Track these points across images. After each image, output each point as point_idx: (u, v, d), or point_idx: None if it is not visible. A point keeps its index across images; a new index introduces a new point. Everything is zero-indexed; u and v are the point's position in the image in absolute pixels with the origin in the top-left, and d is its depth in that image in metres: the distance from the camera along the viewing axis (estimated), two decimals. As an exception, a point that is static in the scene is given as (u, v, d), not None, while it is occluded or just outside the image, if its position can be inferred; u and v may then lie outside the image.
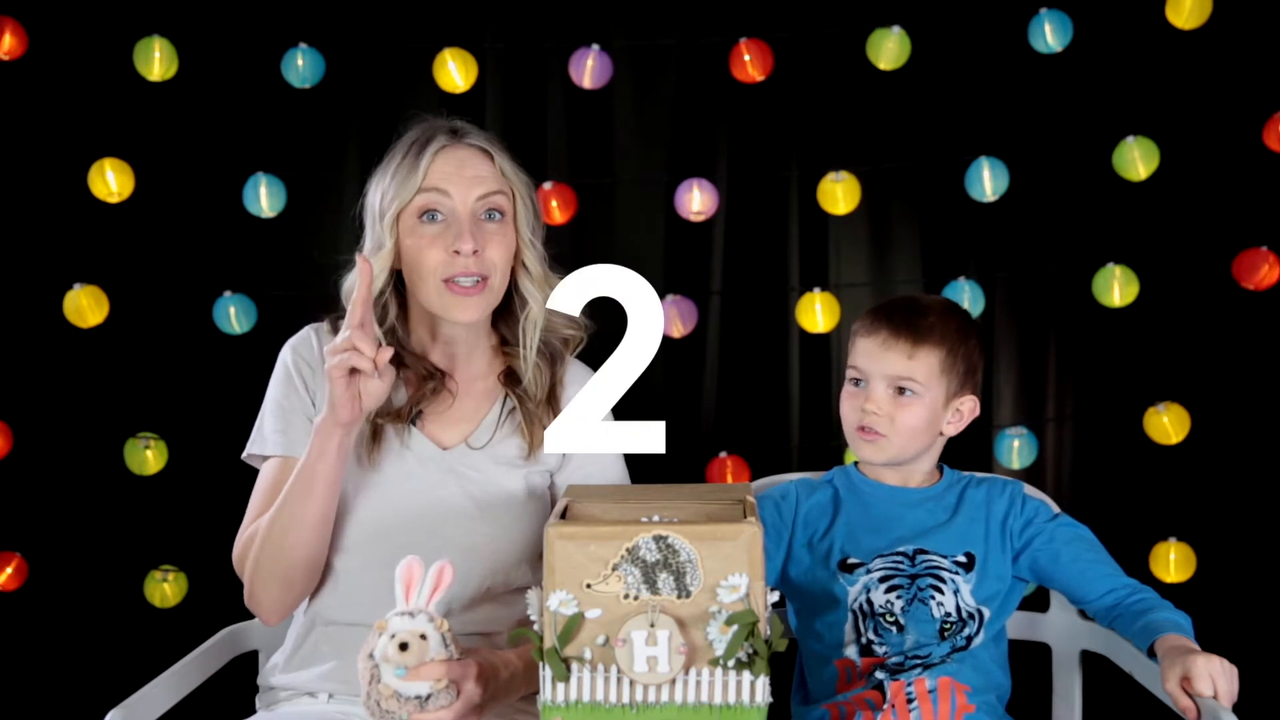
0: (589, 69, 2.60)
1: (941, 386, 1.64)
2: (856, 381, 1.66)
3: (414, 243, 1.58)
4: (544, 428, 1.64)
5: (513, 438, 1.66)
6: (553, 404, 1.67)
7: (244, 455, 1.66)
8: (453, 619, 1.56)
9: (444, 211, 1.59)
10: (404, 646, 1.24)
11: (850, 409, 1.66)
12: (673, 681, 1.21)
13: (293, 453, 1.60)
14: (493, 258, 1.59)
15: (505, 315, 1.69)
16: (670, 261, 2.78)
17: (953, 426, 1.68)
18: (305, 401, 1.64)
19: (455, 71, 2.60)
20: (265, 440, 1.64)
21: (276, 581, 1.56)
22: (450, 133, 1.62)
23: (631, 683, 1.21)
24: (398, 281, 1.65)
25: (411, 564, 1.27)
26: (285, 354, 1.68)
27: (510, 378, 1.68)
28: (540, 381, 1.67)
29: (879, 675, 1.57)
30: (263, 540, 1.54)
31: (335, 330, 1.69)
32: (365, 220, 1.66)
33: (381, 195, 1.62)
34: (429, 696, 1.26)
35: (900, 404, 1.63)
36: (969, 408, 1.68)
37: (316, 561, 1.57)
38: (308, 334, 1.70)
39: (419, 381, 1.64)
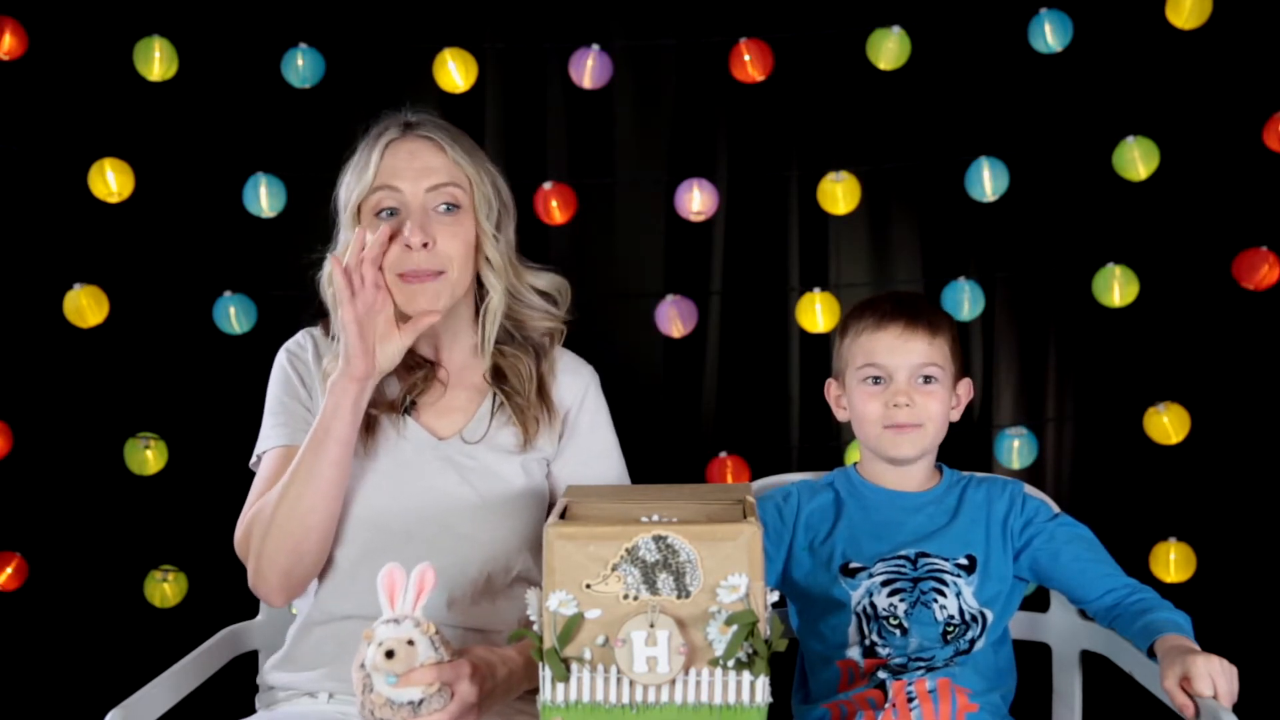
0: (589, 69, 2.60)
1: (952, 370, 1.67)
2: (875, 380, 1.66)
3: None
4: (537, 421, 1.65)
5: (507, 428, 1.66)
6: (545, 399, 1.67)
7: (251, 464, 1.66)
8: (454, 612, 1.56)
9: (398, 206, 1.58)
10: (390, 654, 1.24)
11: (873, 408, 1.65)
12: (672, 682, 1.21)
13: (294, 441, 1.61)
14: (447, 250, 1.57)
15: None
16: (670, 261, 2.78)
17: (956, 411, 1.69)
18: (303, 395, 1.65)
19: (455, 71, 2.60)
20: (266, 437, 1.65)
21: (286, 553, 1.54)
22: (402, 125, 1.62)
23: (631, 683, 1.21)
24: None
25: (393, 571, 1.27)
26: (281, 356, 1.69)
27: (496, 374, 1.68)
28: (524, 376, 1.66)
29: (881, 675, 1.57)
30: (275, 508, 1.53)
31: (330, 335, 1.69)
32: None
33: (345, 190, 1.62)
34: (422, 702, 1.27)
35: (926, 393, 1.64)
36: (965, 390, 1.70)
37: (328, 532, 1.56)
38: (303, 337, 1.71)
39: (408, 372, 1.64)
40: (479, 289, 1.67)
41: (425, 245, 1.55)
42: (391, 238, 1.55)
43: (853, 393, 1.68)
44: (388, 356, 1.54)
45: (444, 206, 1.59)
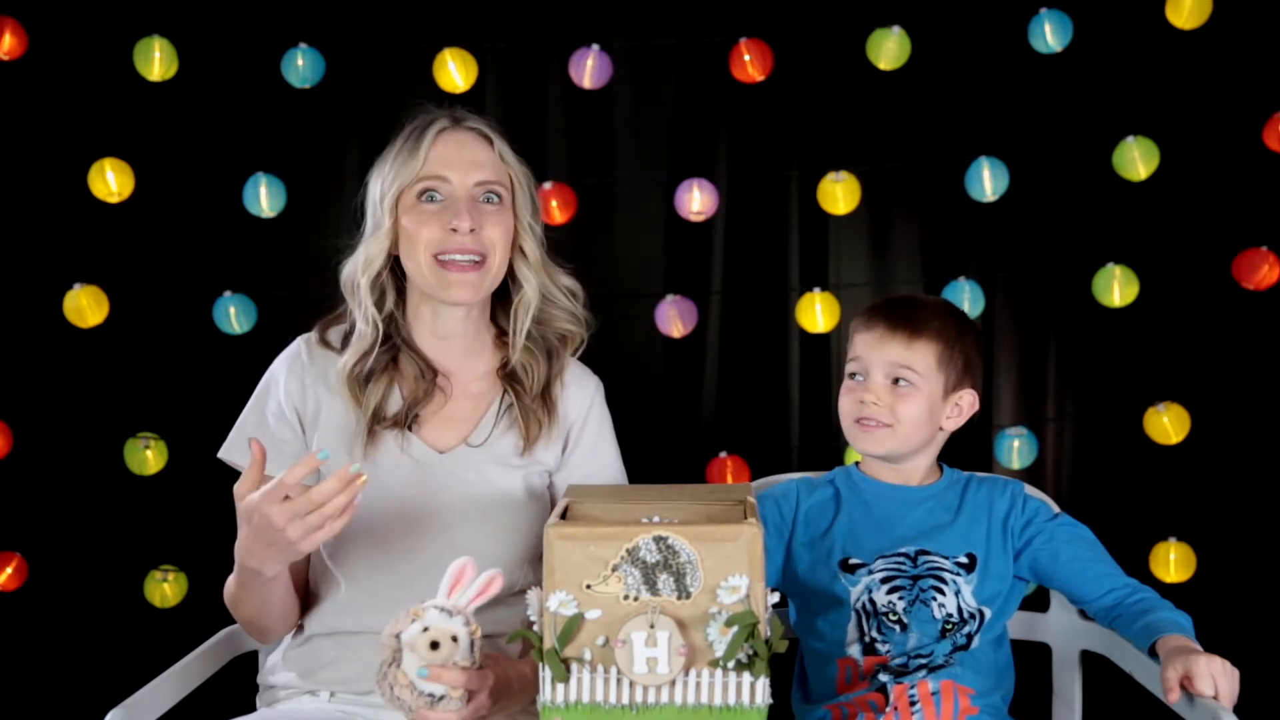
0: (589, 69, 2.60)
1: (939, 379, 1.65)
2: (854, 375, 1.68)
3: (411, 220, 1.59)
4: (539, 424, 1.65)
5: (510, 432, 1.65)
6: (548, 401, 1.67)
7: (221, 454, 1.66)
8: None
9: (442, 194, 1.60)
10: (435, 645, 1.25)
11: (849, 402, 1.67)
12: (672, 682, 1.21)
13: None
14: (491, 236, 1.60)
15: (505, 306, 1.70)
16: (670, 261, 2.78)
17: (952, 421, 1.68)
18: (281, 427, 1.63)
19: (455, 71, 2.60)
20: (231, 446, 1.66)
21: (259, 628, 1.63)
22: (451, 119, 1.64)
23: (631, 684, 1.21)
24: (396, 269, 1.65)
25: (466, 564, 1.30)
26: (279, 372, 1.66)
27: (510, 374, 1.68)
28: (534, 374, 1.67)
29: (882, 677, 1.57)
30: (233, 605, 1.60)
31: (324, 341, 1.67)
32: (365, 208, 1.67)
33: (381, 180, 1.63)
34: (442, 698, 1.28)
35: (898, 394, 1.64)
36: (968, 402, 1.69)
37: (295, 612, 1.63)
38: (298, 348, 1.68)
39: (413, 381, 1.64)
40: (495, 298, 1.69)
41: (471, 230, 1.57)
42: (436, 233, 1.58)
43: (842, 387, 1.70)
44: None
45: (486, 197, 1.62)
